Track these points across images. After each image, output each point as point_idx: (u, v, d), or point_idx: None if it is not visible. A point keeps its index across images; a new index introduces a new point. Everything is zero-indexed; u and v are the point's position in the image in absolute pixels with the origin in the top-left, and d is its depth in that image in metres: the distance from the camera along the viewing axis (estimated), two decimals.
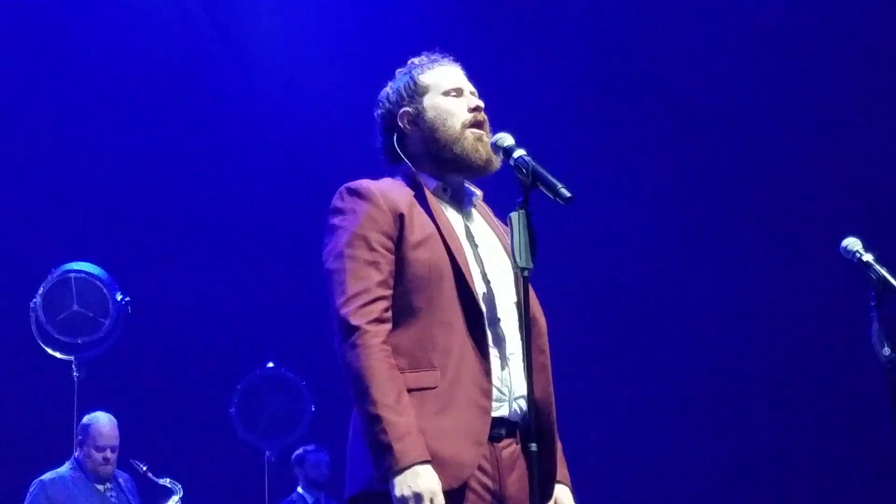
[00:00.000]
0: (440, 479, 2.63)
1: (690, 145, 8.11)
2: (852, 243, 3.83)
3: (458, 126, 2.91)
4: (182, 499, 6.54)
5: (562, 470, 2.88)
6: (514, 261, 2.77)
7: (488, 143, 2.91)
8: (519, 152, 2.84)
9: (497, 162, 2.91)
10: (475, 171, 2.93)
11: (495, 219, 3.03)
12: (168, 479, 6.51)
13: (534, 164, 2.80)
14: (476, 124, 2.93)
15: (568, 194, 2.74)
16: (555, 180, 2.77)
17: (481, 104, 2.96)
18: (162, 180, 8.05)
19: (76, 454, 6.23)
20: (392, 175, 2.98)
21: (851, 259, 3.82)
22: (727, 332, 7.99)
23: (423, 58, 3.04)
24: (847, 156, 7.85)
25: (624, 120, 8.15)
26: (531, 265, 2.76)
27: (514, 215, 2.80)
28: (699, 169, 8.12)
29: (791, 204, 7.94)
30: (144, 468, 6.44)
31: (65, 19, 7.79)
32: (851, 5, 7.71)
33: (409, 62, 3.05)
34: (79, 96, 7.85)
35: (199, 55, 8.06)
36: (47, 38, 7.77)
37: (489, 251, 2.91)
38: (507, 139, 2.89)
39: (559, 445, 2.88)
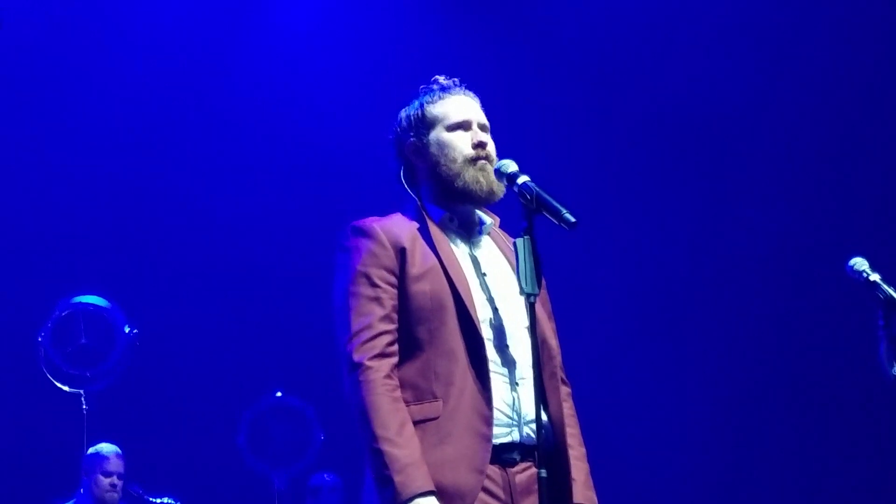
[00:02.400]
0: None
1: (697, 162, 8.11)
2: (859, 263, 3.83)
3: (459, 161, 2.93)
4: None
5: (586, 492, 2.86)
6: (521, 287, 2.78)
7: (491, 174, 2.92)
8: (522, 178, 2.85)
9: (501, 189, 2.92)
10: (478, 202, 2.95)
11: (512, 244, 3.03)
12: (166, 498, 6.58)
13: (538, 189, 2.80)
14: (478, 159, 2.93)
15: (572, 219, 2.75)
16: (559, 206, 2.77)
17: (485, 140, 2.96)
18: (168, 212, 8.06)
19: (81, 489, 6.29)
20: (401, 203, 3.01)
21: (858, 279, 3.82)
22: (735, 348, 7.98)
23: (439, 83, 3.04)
24: (856, 177, 7.86)
25: (632, 136, 8.15)
26: (537, 291, 2.78)
27: (519, 241, 2.82)
28: (703, 180, 8.12)
29: (802, 220, 7.93)
30: (139, 491, 6.54)
31: (71, 51, 7.81)
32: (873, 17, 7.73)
33: (424, 87, 3.06)
34: (84, 128, 7.86)
35: (208, 94, 8.06)
36: (51, 68, 7.79)
37: (498, 278, 2.92)
38: (510, 165, 2.90)
39: (585, 467, 2.88)
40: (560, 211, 2.76)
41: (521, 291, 2.78)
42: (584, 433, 2.94)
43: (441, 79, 3.06)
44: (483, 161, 2.93)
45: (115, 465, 6.27)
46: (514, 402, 2.79)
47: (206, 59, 8.03)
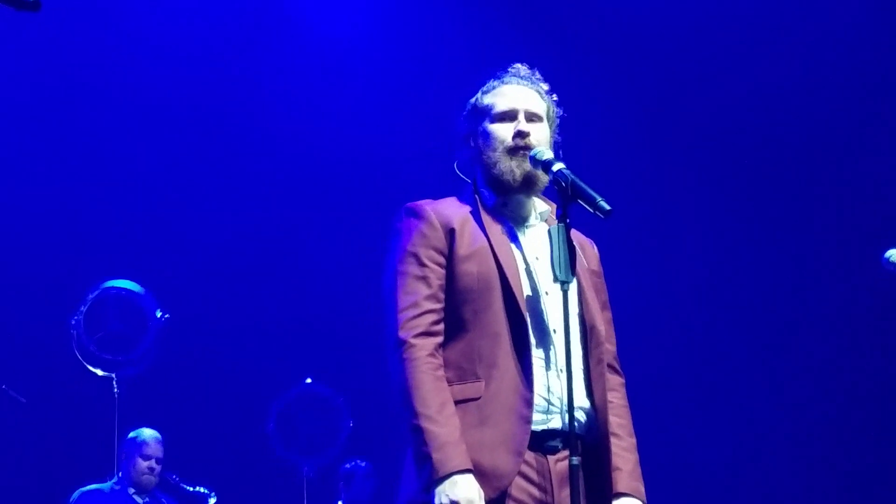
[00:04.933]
0: (481, 488, 2.65)
1: (761, 161, 8.07)
2: (895, 255, 3.79)
3: (499, 151, 2.93)
4: None
5: (631, 483, 2.84)
6: (554, 274, 2.79)
7: (527, 165, 2.91)
8: (558, 166, 2.84)
9: (542, 178, 2.91)
10: (516, 192, 2.94)
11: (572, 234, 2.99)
12: (201, 487, 6.74)
13: (573, 177, 2.80)
14: (517, 149, 2.92)
15: (607, 207, 2.74)
16: (594, 193, 2.77)
17: (527, 129, 2.93)
18: (201, 198, 8.08)
19: (119, 473, 6.40)
20: (459, 190, 3.03)
21: (895, 271, 3.78)
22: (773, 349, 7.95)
23: (507, 71, 3.05)
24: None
25: (668, 139, 8.11)
26: (571, 279, 2.78)
27: (552, 229, 2.84)
28: (738, 177, 8.09)
29: (843, 210, 7.88)
30: (176, 478, 6.68)
31: (105, 35, 7.83)
32: None
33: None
34: (119, 114, 7.88)
35: (242, 81, 8.07)
36: (89, 56, 7.82)
37: (549, 265, 2.89)
38: (545, 153, 2.90)
39: (632, 458, 2.87)
40: (595, 199, 2.76)
41: (555, 279, 2.79)
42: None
43: (520, 66, 3.06)
44: (522, 152, 2.91)
45: (155, 449, 6.39)
46: (557, 389, 2.77)
47: (240, 48, 8.04)
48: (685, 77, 8.00)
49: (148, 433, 6.43)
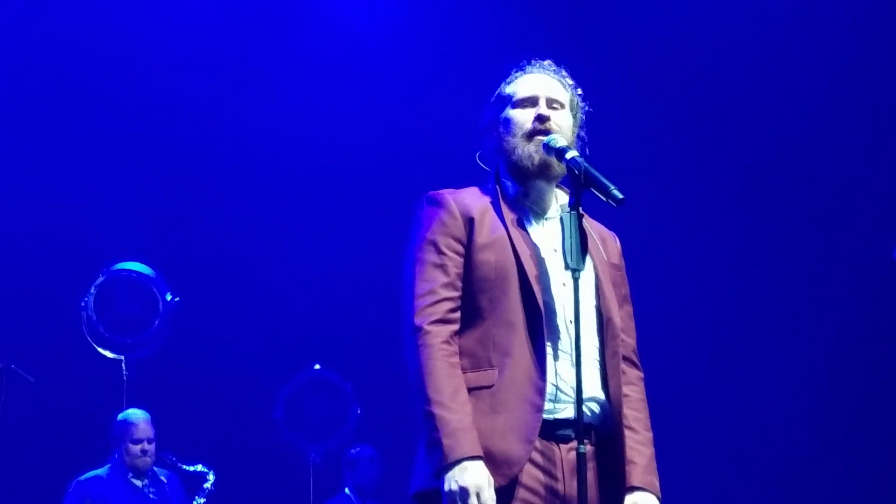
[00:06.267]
0: (491, 476, 2.66)
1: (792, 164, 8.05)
2: None
3: (518, 135, 2.94)
4: (225, 498, 6.74)
5: (646, 477, 2.84)
6: (566, 262, 2.79)
7: (543, 152, 2.91)
8: (571, 154, 2.84)
9: (558, 165, 2.90)
10: (534, 177, 2.93)
11: (591, 225, 3.00)
12: (199, 465, 6.65)
13: (586, 165, 2.80)
14: (537, 133, 2.92)
15: (620, 195, 2.74)
16: (607, 181, 2.77)
17: (547, 113, 2.94)
18: (213, 183, 8.09)
19: (115, 455, 6.28)
20: (481, 180, 3.04)
21: None
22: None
23: (529, 62, 3.06)
24: None
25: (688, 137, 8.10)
26: (582, 266, 2.79)
27: (565, 217, 2.84)
28: (756, 177, 8.08)
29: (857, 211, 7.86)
30: (172, 459, 6.55)
31: (132, 16, 7.84)
32: None
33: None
34: (133, 99, 7.90)
35: (256, 64, 8.07)
36: (103, 40, 7.83)
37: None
38: (559, 140, 2.89)
39: (647, 452, 2.87)
40: (608, 187, 2.76)
41: (566, 266, 2.79)
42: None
43: (544, 62, 3.06)
44: (541, 136, 2.91)
45: (145, 431, 6.22)
46: (569, 378, 2.77)
47: (260, 37, 8.04)
48: (707, 74, 7.96)
49: (136, 415, 6.26)
